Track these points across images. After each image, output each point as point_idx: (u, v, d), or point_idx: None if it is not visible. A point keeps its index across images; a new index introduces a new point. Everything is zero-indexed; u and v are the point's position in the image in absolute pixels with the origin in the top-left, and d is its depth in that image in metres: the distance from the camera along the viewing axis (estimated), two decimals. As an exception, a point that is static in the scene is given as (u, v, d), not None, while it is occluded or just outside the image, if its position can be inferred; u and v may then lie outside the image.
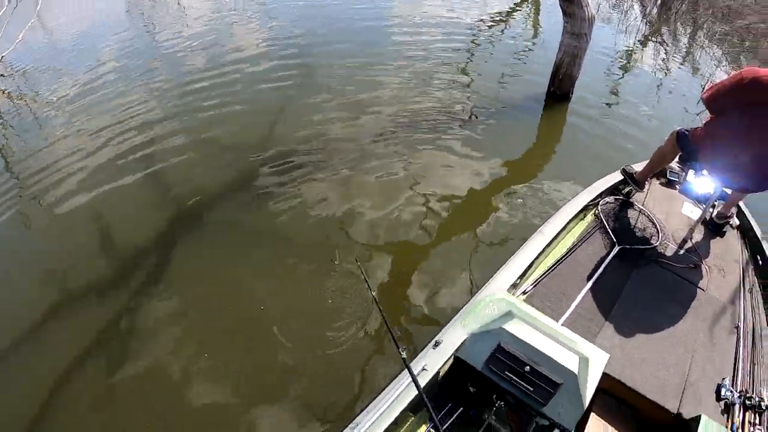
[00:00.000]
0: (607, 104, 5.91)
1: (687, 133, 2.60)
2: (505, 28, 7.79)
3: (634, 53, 8.06)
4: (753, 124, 2.26)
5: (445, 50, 6.40)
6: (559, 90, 5.42)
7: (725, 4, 10.59)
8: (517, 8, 8.83)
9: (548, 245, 2.37)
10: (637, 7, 10.52)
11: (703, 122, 2.54)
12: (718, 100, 2.37)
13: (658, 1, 10.82)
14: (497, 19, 8.07)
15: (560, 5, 4.96)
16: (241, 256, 3.36)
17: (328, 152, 4.40)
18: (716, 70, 8.01)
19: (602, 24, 8.78)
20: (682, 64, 8.44)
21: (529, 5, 9.14)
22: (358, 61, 6.01)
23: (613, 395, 1.94)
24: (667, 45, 9.21)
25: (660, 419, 1.89)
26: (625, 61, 7.56)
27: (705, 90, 2.47)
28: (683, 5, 10.59)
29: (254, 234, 3.54)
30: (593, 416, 1.83)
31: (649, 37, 9.19)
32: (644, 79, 7.09)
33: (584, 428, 1.78)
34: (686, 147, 2.61)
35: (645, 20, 9.96)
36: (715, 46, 9.40)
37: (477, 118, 5.07)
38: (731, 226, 2.84)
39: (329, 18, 7.24)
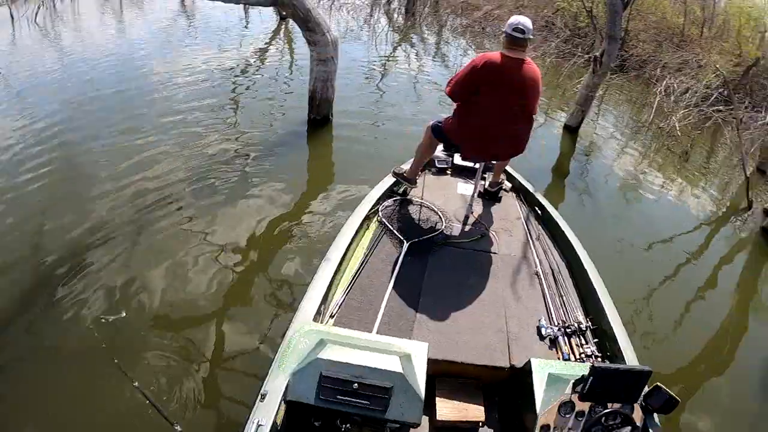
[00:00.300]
0: (373, 114, 5.99)
1: (440, 124, 2.78)
2: (263, 65, 7.55)
3: (390, 61, 8.34)
4: (493, 103, 2.46)
5: (211, 99, 5.84)
6: (318, 115, 5.34)
7: (462, 1, 11.93)
8: (271, 44, 8.72)
9: (341, 263, 2.34)
10: (383, 20, 11.09)
11: (452, 110, 2.70)
12: (459, 88, 2.54)
13: (402, 10, 11.75)
14: (255, 57, 7.86)
15: (304, 36, 4.95)
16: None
17: (110, 240, 3.60)
18: (463, 58, 8.86)
19: (354, 42, 9.03)
20: (434, 60, 9.01)
21: (282, 39, 9.11)
22: (121, 128, 5.23)
23: (451, 375, 2.00)
24: (418, 47, 9.76)
25: (500, 378, 2.00)
26: (383, 70, 7.78)
27: (447, 84, 2.66)
28: (425, 9, 11.65)
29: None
30: (440, 401, 1.90)
31: (401, 44, 9.66)
32: (403, 82, 7.38)
33: (435, 415, 1.86)
34: (441, 136, 2.80)
35: (393, 30, 10.50)
36: (460, 38, 10.47)
37: (253, 159, 4.66)
38: (505, 190, 3.07)
39: (83, 91, 6.09)
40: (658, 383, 1.64)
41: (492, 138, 2.58)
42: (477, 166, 2.82)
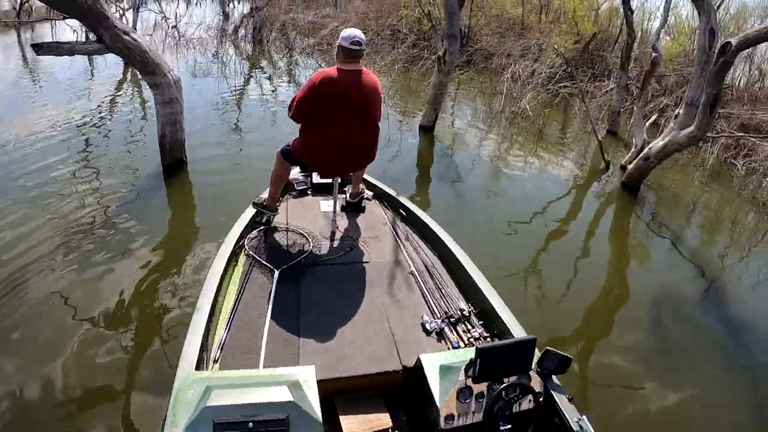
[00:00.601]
0: (232, 145, 5.75)
1: (288, 147, 2.75)
2: (113, 114, 6.94)
3: (242, 90, 8.06)
4: (336, 117, 2.48)
5: (64, 155, 5.14)
6: (171, 160, 4.93)
7: (308, 22, 12.02)
8: (120, 91, 8.11)
9: (214, 306, 2.23)
10: (232, 51, 10.76)
11: (299, 131, 2.68)
12: (300, 110, 2.52)
13: (250, 38, 11.58)
14: (105, 107, 7.22)
15: (144, 80, 4.69)
16: None
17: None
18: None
19: (205, 77, 8.57)
20: (288, 82, 8.75)
21: (129, 84, 8.52)
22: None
23: (348, 391, 1.97)
24: (269, 71, 9.52)
25: (396, 381, 1.99)
26: (237, 100, 7.46)
27: (288, 107, 2.63)
28: (272, 33, 11.57)
29: None
30: (344, 419, 1.85)
31: (252, 71, 9.37)
32: (258, 108, 7.15)
33: None
34: (292, 159, 2.78)
35: (243, 59, 10.21)
36: (310, 57, 10.53)
37: (112, 218, 4.17)
38: (368, 199, 3.11)
39: None
40: (548, 347, 1.69)
41: (342, 152, 2.61)
42: (331, 181, 2.84)
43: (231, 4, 14.03)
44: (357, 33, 2.48)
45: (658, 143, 5.88)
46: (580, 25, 10.79)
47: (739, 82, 12.38)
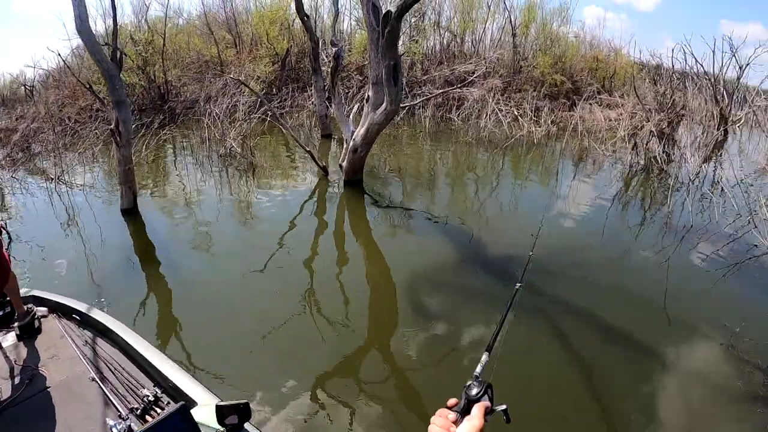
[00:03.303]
0: None
1: None
2: None
3: None
4: None
5: None
6: None
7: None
8: None
9: None
10: None
11: None
12: None
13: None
14: None
15: None
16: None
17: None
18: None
19: None
20: None
21: None
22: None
23: None
24: None
25: None
26: None
27: None
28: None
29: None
30: None
31: None
32: None
33: None
34: None
35: None
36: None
37: None
38: (42, 316, 2.80)
39: None
40: (218, 403, 1.65)
41: None
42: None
43: None
44: None
45: (360, 131, 5.87)
46: (276, 46, 10.88)
47: (434, 48, 14.00)
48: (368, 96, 5.87)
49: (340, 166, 6.13)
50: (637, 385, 2.60)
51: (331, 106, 7.91)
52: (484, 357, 0.98)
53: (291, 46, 10.23)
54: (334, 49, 7.18)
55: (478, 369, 0.94)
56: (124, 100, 5.44)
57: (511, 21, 12.34)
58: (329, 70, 7.35)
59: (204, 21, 11.86)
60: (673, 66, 9.95)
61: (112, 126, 5.39)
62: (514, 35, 12.10)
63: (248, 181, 5.95)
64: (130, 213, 5.22)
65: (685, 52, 12.87)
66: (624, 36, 37.31)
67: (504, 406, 0.83)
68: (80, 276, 3.90)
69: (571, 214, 5.12)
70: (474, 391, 0.83)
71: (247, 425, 1.74)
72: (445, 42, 13.73)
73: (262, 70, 9.10)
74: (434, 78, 10.86)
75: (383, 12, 5.37)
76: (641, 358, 2.81)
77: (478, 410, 0.80)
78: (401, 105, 5.65)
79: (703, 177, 6.44)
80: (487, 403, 0.82)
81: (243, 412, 1.69)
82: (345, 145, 6.15)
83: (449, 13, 14.12)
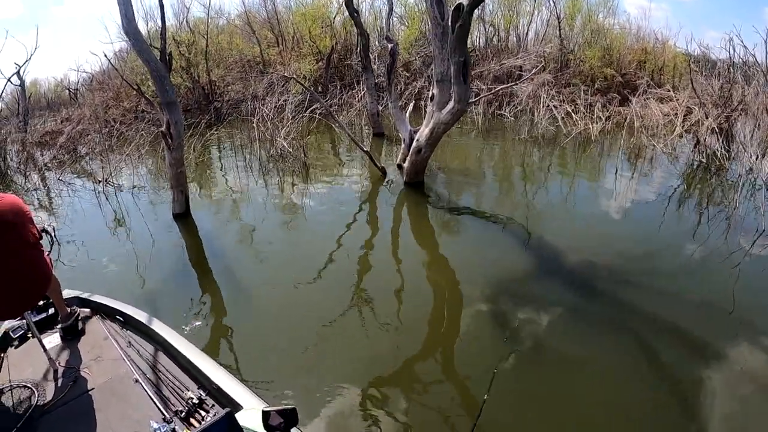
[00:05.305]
0: None
1: None
2: None
3: None
4: None
5: None
6: None
7: (44, 133, 9.93)
8: None
9: None
10: None
11: None
12: None
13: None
14: None
15: None
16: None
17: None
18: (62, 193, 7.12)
19: None
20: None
21: None
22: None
23: None
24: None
25: None
26: None
27: None
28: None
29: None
30: None
31: None
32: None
33: None
34: None
35: None
36: (55, 171, 8.61)
37: None
38: (81, 319, 2.78)
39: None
40: (264, 409, 1.57)
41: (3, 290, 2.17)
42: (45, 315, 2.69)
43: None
44: None
45: (424, 131, 5.49)
46: (319, 44, 10.63)
47: (479, 43, 13.50)
48: (433, 94, 5.52)
49: (399, 166, 5.76)
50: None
51: (380, 104, 7.59)
52: None
53: (336, 43, 9.91)
54: (389, 46, 6.83)
55: None
56: (174, 101, 5.20)
57: (556, 14, 11.75)
58: (385, 67, 6.99)
59: (245, 20, 11.70)
60: (730, 57, 9.20)
61: (162, 128, 5.15)
62: (560, 28, 11.52)
63: (300, 182, 5.66)
64: (182, 217, 4.95)
65: (732, 42, 11.99)
66: (670, 27, 35.76)
67: None
68: (129, 278, 3.83)
69: (631, 215, 4.76)
70: None
71: (293, 431, 1.71)
72: (489, 37, 13.23)
73: (306, 68, 8.80)
74: (482, 73, 10.37)
75: (447, 5, 4.98)
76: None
77: None
78: (469, 103, 5.22)
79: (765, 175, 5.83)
80: None
81: (290, 417, 1.66)
82: (402, 145, 5.80)
83: (491, 6, 13.61)
